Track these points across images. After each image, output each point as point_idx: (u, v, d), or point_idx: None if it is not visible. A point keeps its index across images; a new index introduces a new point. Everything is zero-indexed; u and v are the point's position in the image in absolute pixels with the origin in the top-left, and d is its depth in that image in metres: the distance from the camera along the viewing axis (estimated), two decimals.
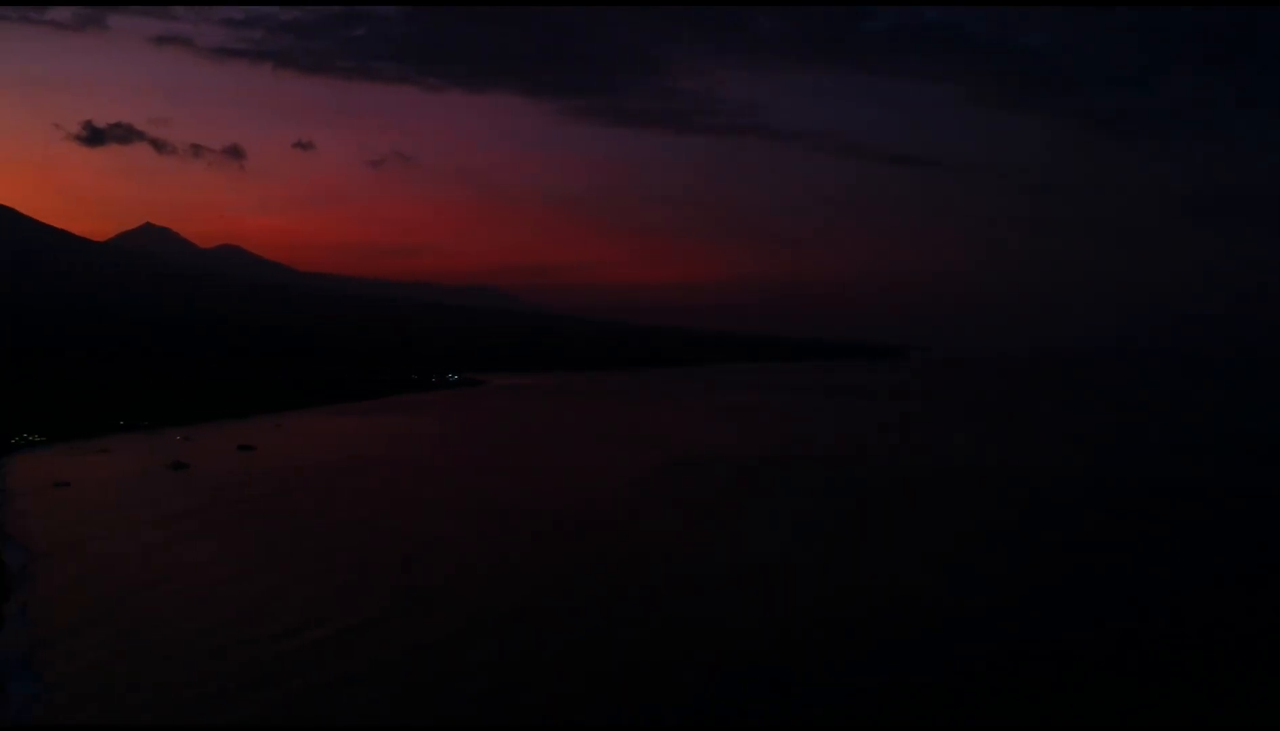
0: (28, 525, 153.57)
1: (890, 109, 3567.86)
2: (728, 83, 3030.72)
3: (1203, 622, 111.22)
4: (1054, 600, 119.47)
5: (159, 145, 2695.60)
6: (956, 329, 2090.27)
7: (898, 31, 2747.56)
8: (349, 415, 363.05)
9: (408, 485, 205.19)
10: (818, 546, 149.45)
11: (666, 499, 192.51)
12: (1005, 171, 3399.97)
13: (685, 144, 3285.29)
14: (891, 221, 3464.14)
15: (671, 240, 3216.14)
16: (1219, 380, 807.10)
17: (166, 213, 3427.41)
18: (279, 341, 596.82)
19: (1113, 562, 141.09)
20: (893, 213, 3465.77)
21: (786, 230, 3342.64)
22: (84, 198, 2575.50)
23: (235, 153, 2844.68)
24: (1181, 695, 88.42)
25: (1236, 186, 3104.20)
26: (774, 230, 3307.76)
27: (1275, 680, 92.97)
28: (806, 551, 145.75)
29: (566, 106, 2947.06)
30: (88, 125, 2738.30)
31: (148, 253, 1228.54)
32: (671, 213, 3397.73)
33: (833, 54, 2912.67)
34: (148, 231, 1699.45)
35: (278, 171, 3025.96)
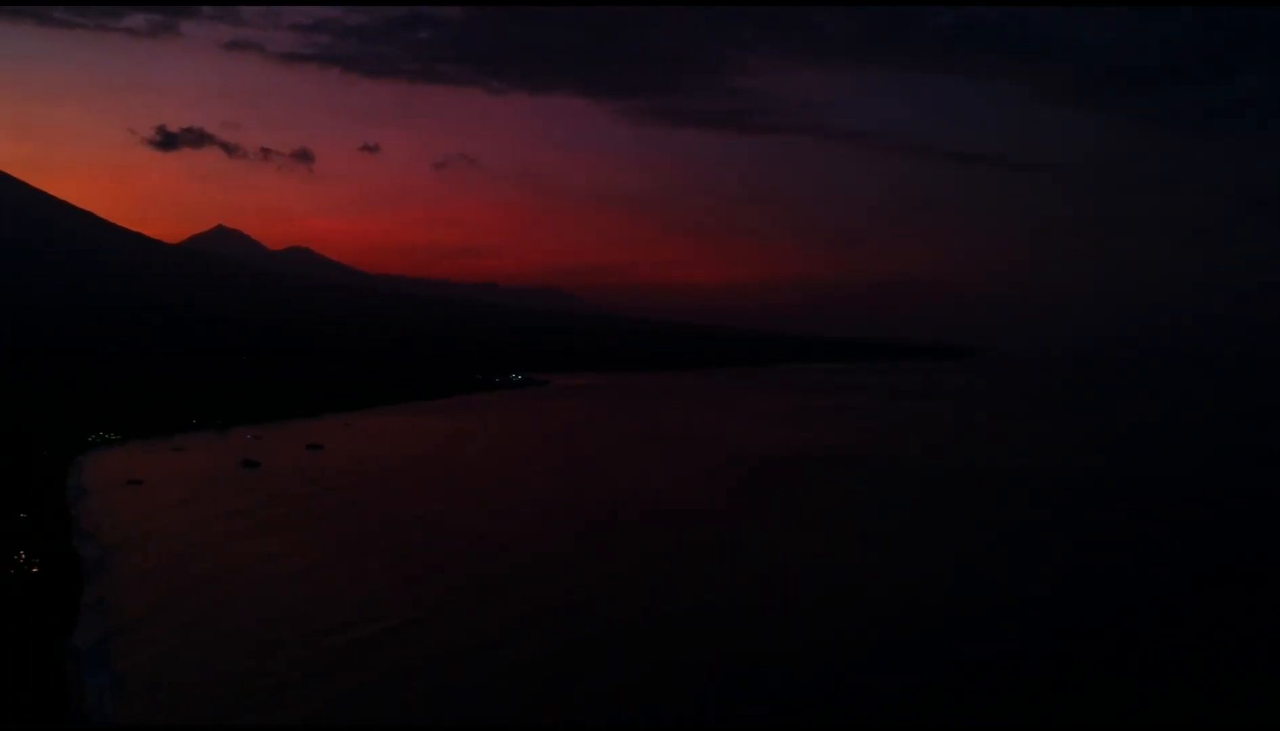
0: (102, 521, 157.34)
1: (952, 107, 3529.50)
2: (787, 82, 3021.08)
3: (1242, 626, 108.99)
4: (1096, 600, 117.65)
5: (230, 149, 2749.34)
6: (1018, 329, 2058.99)
7: (960, 29, 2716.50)
8: (415, 414, 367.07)
9: (470, 483, 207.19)
10: (873, 547, 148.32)
11: (722, 498, 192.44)
12: (1068, 169, 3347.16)
13: (744, 143, 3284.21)
14: (953, 220, 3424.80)
15: (731, 240, 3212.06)
16: None
17: (238, 215, 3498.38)
18: (346, 342, 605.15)
19: (1141, 563, 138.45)
20: (954, 211, 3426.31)
21: (846, 229, 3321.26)
22: (158, 201, 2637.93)
23: (304, 156, 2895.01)
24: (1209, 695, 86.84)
25: None
26: (833, 229, 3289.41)
27: None
28: (863, 553, 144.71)
29: (627, 107, 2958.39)
30: (161, 130, 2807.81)
31: (220, 255, 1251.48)
32: (731, 212, 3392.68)
33: (893, 52, 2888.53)
34: (220, 234, 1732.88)
35: (345, 174, 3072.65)
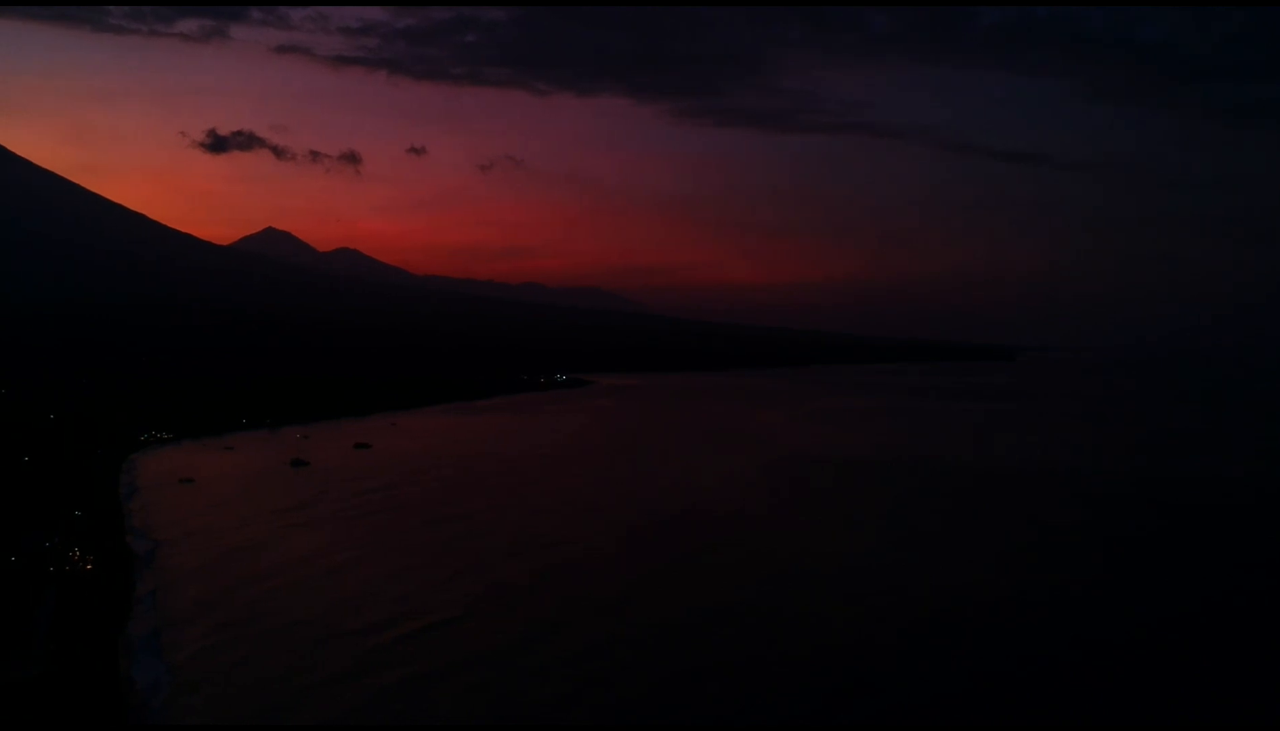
0: (154, 518, 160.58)
1: (1000, 104, 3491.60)
2: (832, 81, 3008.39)
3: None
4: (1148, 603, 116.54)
5: (279, 152, 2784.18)
6: (1068, 329, 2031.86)
7: (1010, 26, 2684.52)
8: (461, 414, 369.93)
9: (513, 482, 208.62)
10: (912, 548, 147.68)
11: (765, 499, 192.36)
12: (1119, 167, 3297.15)
13: (789, 143, 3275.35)
14: (1001, 219, 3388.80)
15: (776, 240, 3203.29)
16: None
17: (287, 217, 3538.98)
18: (394, 342, 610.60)
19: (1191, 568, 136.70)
20: (1002, 210, 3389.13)
21: (893, 229, 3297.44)
22: (209, 203, 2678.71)
23: (352, 158, 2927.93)
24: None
25: None
26: (880, 229, 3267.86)
27: None
28: (901, 552, 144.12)
29: (672, 108, 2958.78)
30: (212, 133, 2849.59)
31: (270, 256, 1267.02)
32: (775, 212, 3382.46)
33: (941, 50, 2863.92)
34: (270, 235, 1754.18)
35: (392, 176, 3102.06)
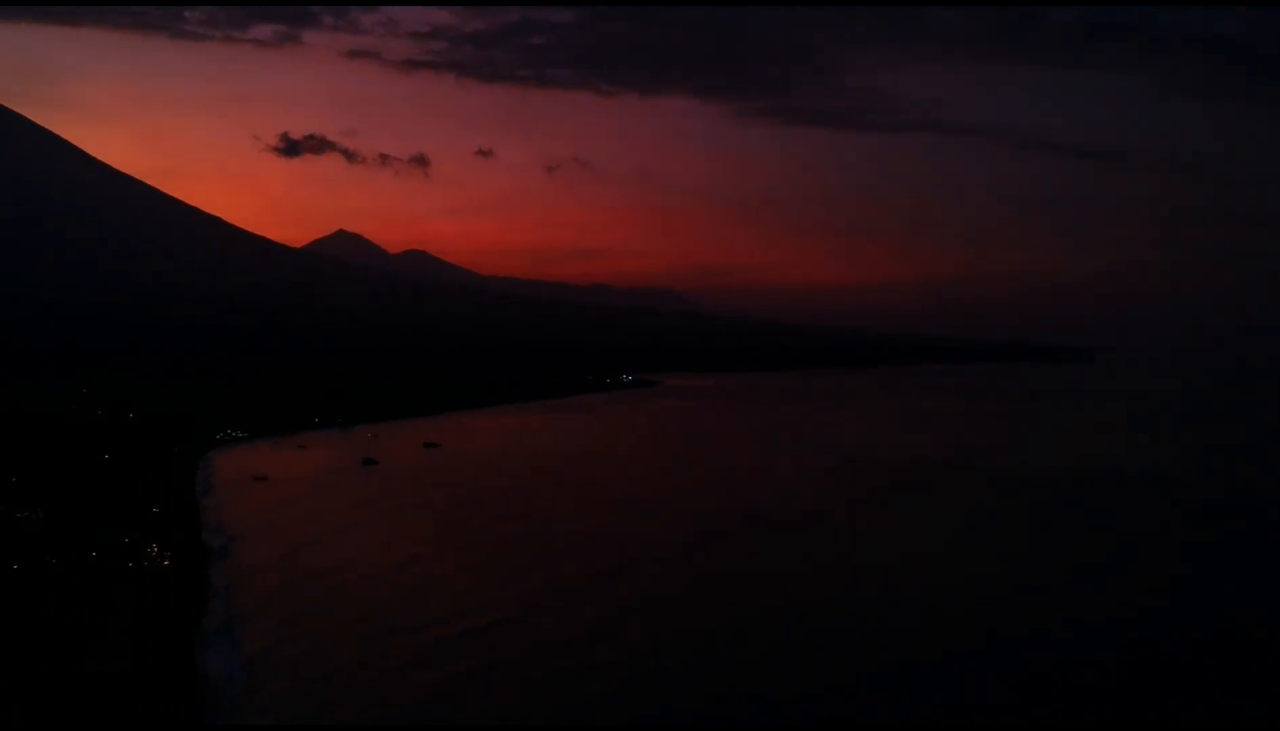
0: (229, 515, 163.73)
1: (1075, 101, 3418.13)
2: (902, 79, 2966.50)
3: None
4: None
5: (349, 155, 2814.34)
6: (1145, 330, 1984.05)
7: (1085, 22, 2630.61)
8: (528, 414, 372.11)
9: (579, 482, 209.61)
10: (998, 557, 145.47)
11: (836, 502, 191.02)
12: (1197, 164, 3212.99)
13: (859, 142, 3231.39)
14: (1076, 218, 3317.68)
15: (846, 240, 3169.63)
16: None
17: (357, 219, 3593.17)
18: (462, 343, 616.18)
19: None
20: (1077, 209, 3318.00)
21: (965, 228, 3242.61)
22: (281, 205, 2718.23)
23: (420, 161, 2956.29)
24: None
25: None
26: (952, 228, 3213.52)
27: None
28: (985, 562, 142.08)
29: (739, 108, 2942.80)
30: (284, 137, 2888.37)
31: (341, 258, 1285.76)
32: (846, 212, 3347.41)
33: (1014, 47, 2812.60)
34: (340, 237, 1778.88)
35: (460, 178, 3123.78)
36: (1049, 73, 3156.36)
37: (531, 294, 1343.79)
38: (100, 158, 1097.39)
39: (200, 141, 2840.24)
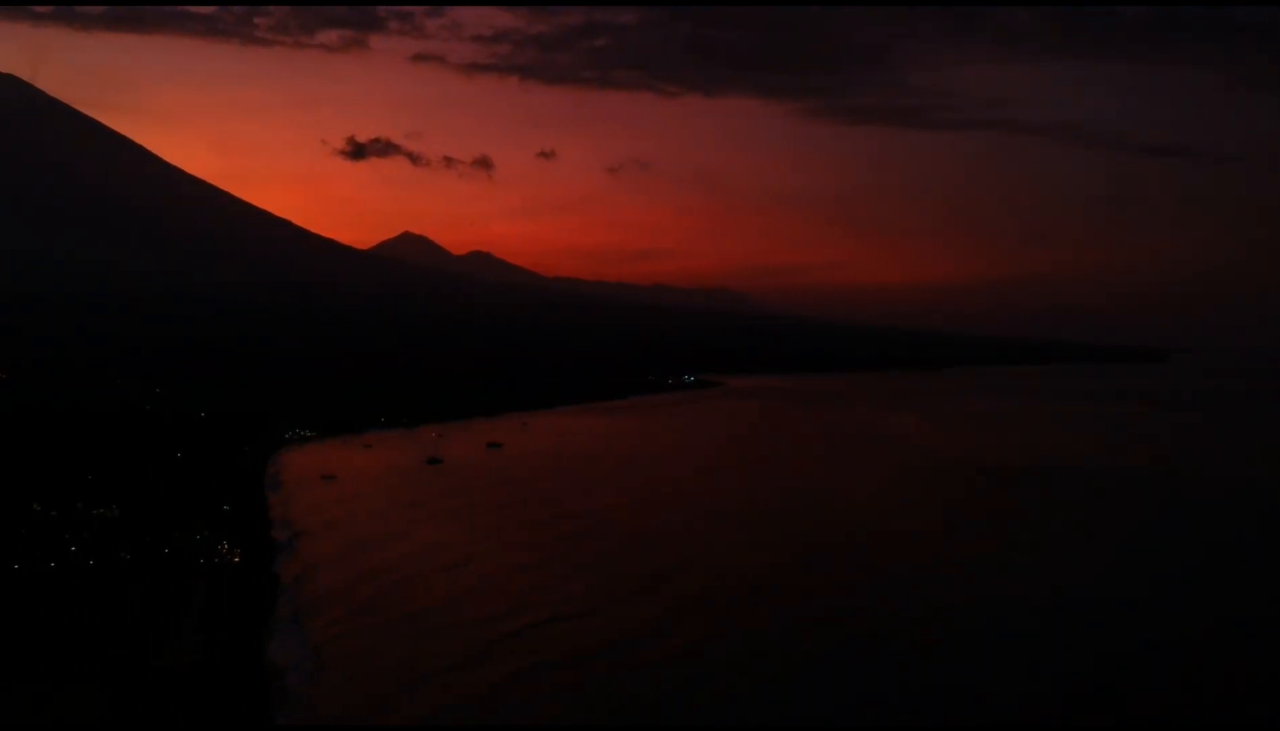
0: (298, 513, 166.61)
1: (1145, 97, 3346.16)
2: (965, 76, 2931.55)
3: None
4: None
5: (414, 158, 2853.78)
6: (1218, 331, 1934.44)
7: (1155, 17, 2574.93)
8: (590, 415, 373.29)
9: (640, 482, 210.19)
10: (1079, 567, 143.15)
11: (901, 504, 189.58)
12: (1272, 160, 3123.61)
13: (922, 140, 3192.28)
14: (1146, 216, 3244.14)
15: (909, 239, 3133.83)
16: None
17: (422, 221, 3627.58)
18: (525, 343, 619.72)
19: None
20: (1148, 207, 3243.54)
21: (1031, 227, 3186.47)
22: (348, 208, 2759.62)
23: (484, 163, 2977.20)
24: None
25: None
26: (1017, 228, 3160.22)
27: None
28: (1067, 573, 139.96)
29: (801, 107, 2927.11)
30: (351, 140, 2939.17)
31: (406, 259, 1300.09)
32: (909, 211, 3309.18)
33: (1081, 43, 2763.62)
34: (406, 239, 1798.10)
35: (522, 180, 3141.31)
36: (1117, 68, 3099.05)
37: (593, 294, 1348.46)
38: (173, 162, 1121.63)
39: (270, 146, 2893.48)
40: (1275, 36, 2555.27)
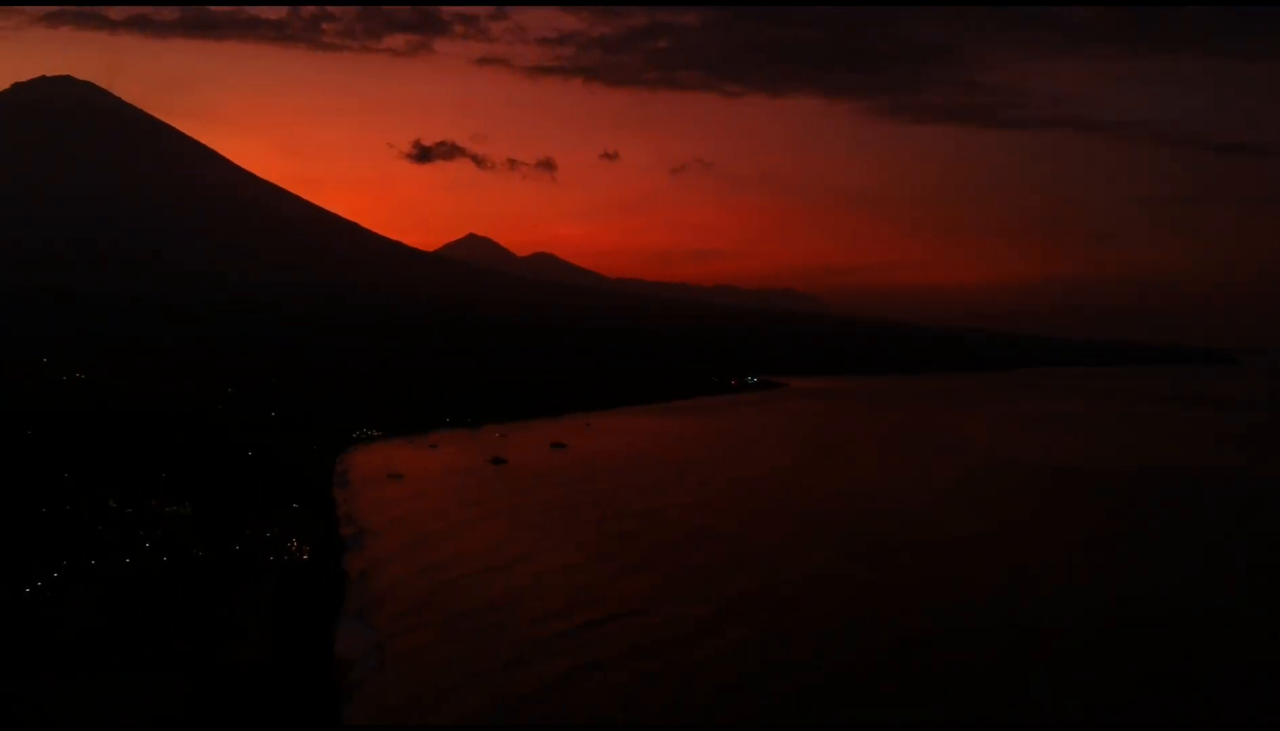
0: (366, 511, 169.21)
1: (1219, 94, 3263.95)
2: (1035, 75, 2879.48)
3: None
4: None
5: (479, 161, 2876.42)
6: None
7: (1228, 11, 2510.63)
8: (653, 416, 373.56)
9: (700, 482, 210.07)
10: (1153, 571, 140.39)
11: (968, 507, 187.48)
12: None
13: (990, 139, 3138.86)
14: (1220, 215, 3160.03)
15: (976, 239, 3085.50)
16: None
17: (487, 223, 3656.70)
18: (589, 344, 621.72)
19: None
20: (1221, 206, 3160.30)
21: (1101, 227, 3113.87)
22: (415, 211, 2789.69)
23: (548, 165, 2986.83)
24: None
25: None
26: (1087, 227, 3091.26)
27: None
28: (1142, 577, 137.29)
29: (866, 106, 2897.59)
30: (417, 144, 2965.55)
31: (471, 261, 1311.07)
32: (976, 211, 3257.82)
33: (1149, 39, 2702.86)
34: (471, 241, 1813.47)
35: (586, 181, 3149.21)
36: (1189, 65, 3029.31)
37: (656, 295, 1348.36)
38: (243, 165, 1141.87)
39: (337, 149, 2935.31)
40: None
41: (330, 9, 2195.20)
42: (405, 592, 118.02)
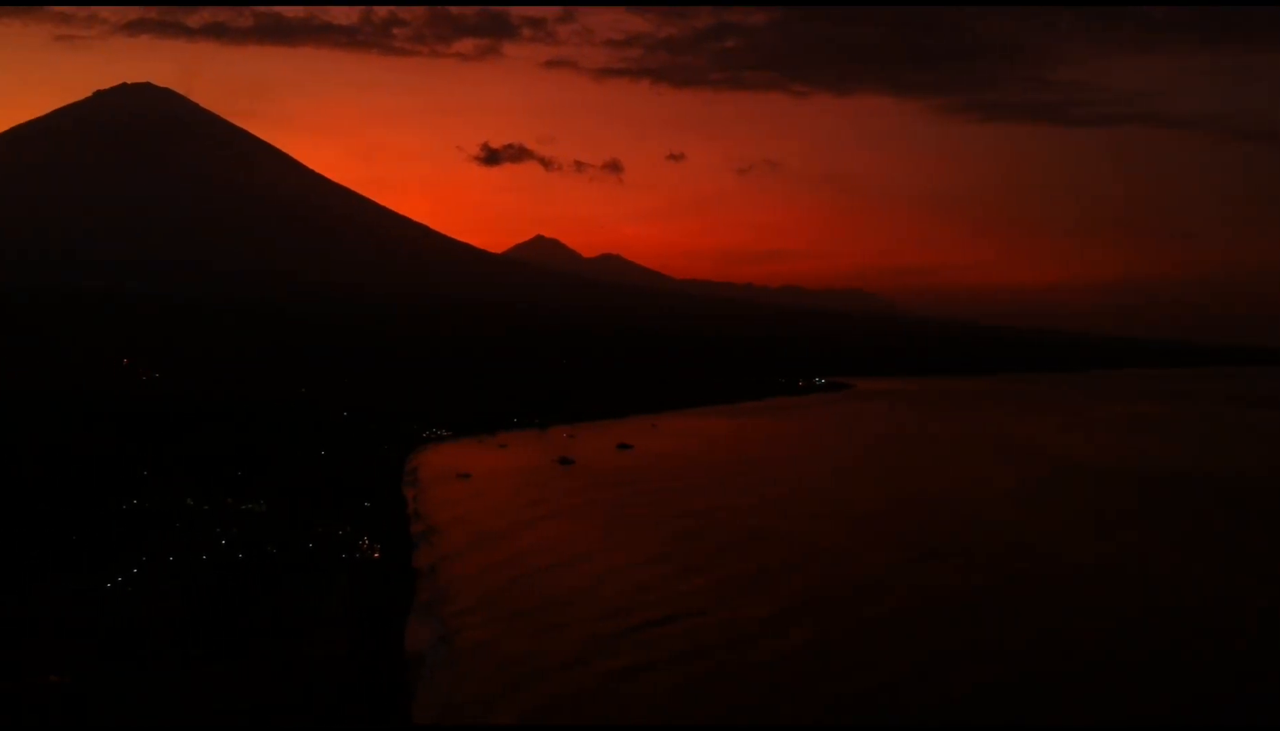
0: (435, 510, 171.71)
1: None
2: (1109, 70, 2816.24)
3: None
4: None
5: (546, 163, 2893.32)
6: None
7: None
8: (720, 417, 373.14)
9: (764, 483, 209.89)
10: (1195, 574, 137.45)
11: (1030, 510, 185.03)
12: None
13: (1063, 136, 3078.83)
14: None
15: (1049, 239, 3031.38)
16: None
17: (555, 225, 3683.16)
18: (656, 345, 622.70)
19: None
20: None
21: (1177, 225, 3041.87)
22: (483, 213, 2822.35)
23: (614, 167, 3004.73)
24: None
25: None
26: (1165, 225, 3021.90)
27: None
28: (1180, 576, 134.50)
29: (935, 105, 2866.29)
30: (485, 146, 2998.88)
31: (539, 262, 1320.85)
32: (1049, 210, 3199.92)
33: (1231, 31, 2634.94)
34: (539, 243, 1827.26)
35: (652, 182, 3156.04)
36: (1268, 58, 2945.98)
37: (723, 296, 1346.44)
38: (316, 169, 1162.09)
39: (407, 153, 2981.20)
40: None
41: (401, 14, 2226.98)
42: (471, 589, 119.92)
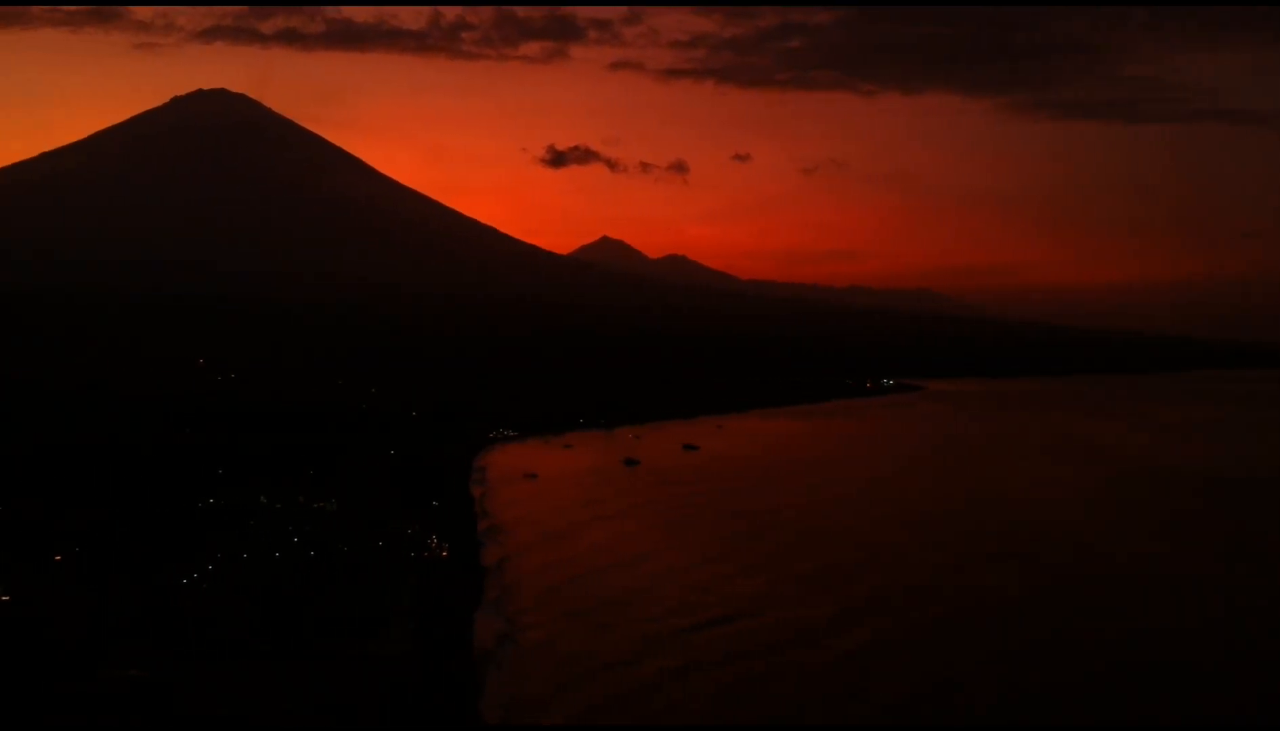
0: (502, 510, 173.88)
1: None
2: (1180, 67, 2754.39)
3: None
4: None
5: (612, 164, 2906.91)
6: None
7: None
8: (786, 418, 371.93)
9: (827, 484, 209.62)
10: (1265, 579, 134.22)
11: (1095, 513, 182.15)
12: None
13: (1132, 134, 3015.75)
14: None
15: (1120, 238, 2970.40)
16: None
17: (620, 226, 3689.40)
18: (722, 346, 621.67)
19: None
20: None
21: (1256, 223, 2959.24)
22: (549, 215, 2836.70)
23: (680, 168, 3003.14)
24: None
25: None
26: (1240, 224, 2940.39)
27: None
28: (1247, 581, 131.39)
29: (1004, 103, 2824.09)
30: (551, 148, 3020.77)
31: (604, 264, 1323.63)
32: (1120, 209, 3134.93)
33: None
34: (604, 244, 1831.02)
35: (717, 183, 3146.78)
36: None
37: (789, 296, 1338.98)
38: (387, 173, 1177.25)
39: (475, 156, 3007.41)
40: None
41: (469, 18, 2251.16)
42: (537, 587, 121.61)
